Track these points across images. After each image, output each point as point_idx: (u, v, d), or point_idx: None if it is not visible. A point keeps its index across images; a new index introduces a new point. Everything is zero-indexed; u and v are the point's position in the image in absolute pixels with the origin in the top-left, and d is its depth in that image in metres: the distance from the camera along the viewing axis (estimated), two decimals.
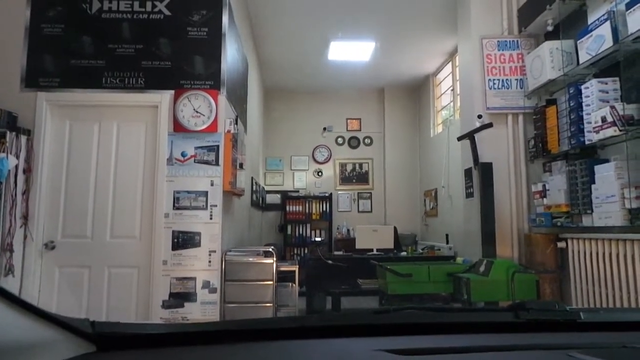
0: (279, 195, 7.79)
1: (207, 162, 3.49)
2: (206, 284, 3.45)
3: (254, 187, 6.08)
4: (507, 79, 4.04)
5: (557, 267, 3.50)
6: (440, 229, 6.68)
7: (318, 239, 7.28)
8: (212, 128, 3.48)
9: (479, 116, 3.98)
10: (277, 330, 0.67)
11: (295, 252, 7.46)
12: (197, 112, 3.48)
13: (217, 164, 3.49)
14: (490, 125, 3.73)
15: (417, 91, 7.87)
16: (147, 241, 3.44)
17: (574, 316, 0.71)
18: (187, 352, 0.59)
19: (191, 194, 3.47)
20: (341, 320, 0.74)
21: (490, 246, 3.66)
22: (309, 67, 6.91)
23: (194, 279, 3.45)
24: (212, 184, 3.49)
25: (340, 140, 8.03)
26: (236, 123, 3.98)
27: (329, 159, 7.99)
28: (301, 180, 7.97)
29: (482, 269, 3.51)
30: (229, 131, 3.53)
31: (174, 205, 3.46)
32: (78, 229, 3.42)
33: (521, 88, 4.03)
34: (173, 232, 3.45)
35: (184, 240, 3.45)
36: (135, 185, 3.48)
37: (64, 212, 3.43)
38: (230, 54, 3.84)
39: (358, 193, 7.98)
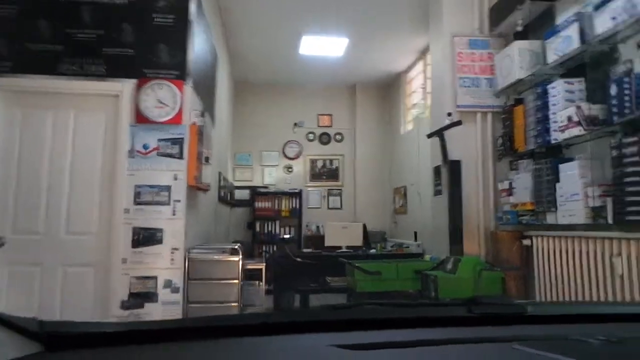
0: (248, 191, 7.65)
1: (170, 155, 3.35)
2: (168, 283, 3.32)
3: (222, 182, 5.94)
4: (477, 78, 4.07)
5: (523, 264, 3.55)
6: (409, 226, 6.71)
7: (287, 236, 7.19)
8: (177, 120, 3.33)
9: (449, 114, 3.99)
10: (236, 327, 0.66)
11: (264, 249, 7.34)
12: (161, 102, 3.33)
13: (181, 157, 3.36)
14: (459, 123, 3.74)
15: (389, 89, 7.88)
16: (105, 238, 3.27)
17: (522, 309, 0.73)
18: (140, 351, 0.57)
19: (153, 188, 3.32)
20: (300, 316, 0.74)
21: (457, 244, 3.67)
22: (281, 61, 6.80)
23: (155, 278, 3.31)
24: (175, 178, 3.35)
25: (311, 136, 7.95)
26: (203, 116, 3.85)
27: (300, 155, 7.90)
28: (271, 176, 7.85)
29: (449, 266, 3.51)
30: (194, 123, 3.40)
31: (134, 200, 3.30)
32: (30, 224, 3.21)
33: (490, 87, 4.06)
34: (134, 228, 3.29)
35: (145, 237, 3.30)
36: (93, 179, 3.30)
37: (14, 206, 3.21)
38: (198, 44, 3.70)
39: (328, 190, 7.93)
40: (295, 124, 7.90)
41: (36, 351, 0.55)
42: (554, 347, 0.56)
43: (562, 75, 3.26)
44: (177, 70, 3.38)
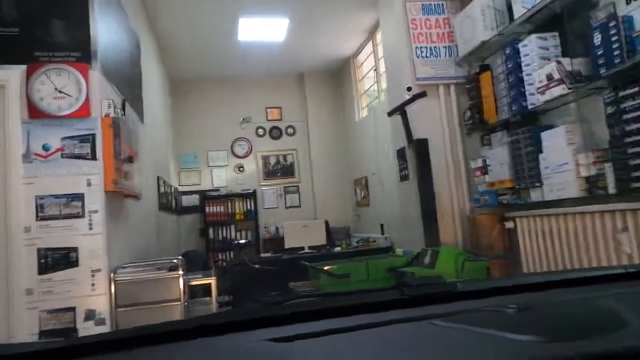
0: (197, 196, 6.97)
1: (80, 156, 2.70)
2: (91, 314, 2.67)
3: (163, 188, 5.26)
4: (435, 47, 3.65)
5: (507, 250, 3.16)
6: (374, 218, 6.28)
7: (243, 241, 6.59)
8: (83, 112, 2.68)
9: (409, 88, 3.55)
10: (174, 332, 0.63)
11: (220, 257, 6.72)
12: (60, 92, 2.66)
13: (94, 157, 2.71)
14: (423, 94, 3.30)
15: (339, 75, 7.42)
16: (2, 265, 2.58)
17: (451, 287, 0.76)
18: None
19: (60, 198, 2.65)
20: (237, 315, 0.74)
21: (432, 233, 3.24)
22: (219, 51, 6.16)
23: (72, 309, 2.65)
24: (88, 184, 2.70)
25: (260, 131, 7.37)
26: (123, 108, 3.20)
27: (250, 153, 7.30)
28: (221, 177, 7.20)
29: (427, 260, 3.07)
30: (107, 115, 2.76)
31: (37, 215, 2.63)
32: None
33: (450, 56, 3.66)
34: (38, 250, 2.62)
35: (54, 260, 2.64)
36: None
37: None
38: (107, 22, 3.05)
39: (284, 187, 7.38)
40: (243, 120, 7.29)
41: None
42: (471, 320, 0.58)
43: (532, 32, 2.87)
44: (78, 51, 2.72)
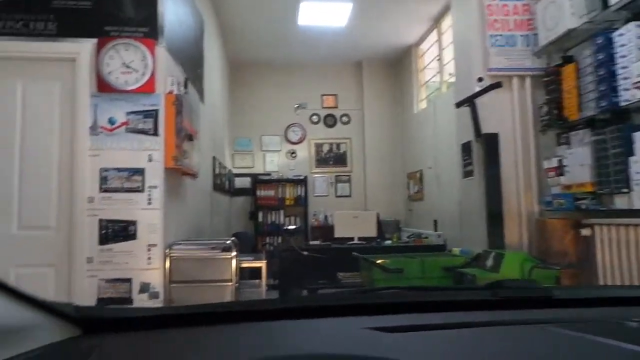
0: (249, 179, 7.02)
1: (143, 131, 2.72)
2: (145, 287, 2.71)
3: (218, 169, 5.31)
4: (511, 35, 3.38)
5: (579, 259, 2.89)
6: (427, 214, 6.06)
7: (292, 227, 6.57)
8: (148, 87, 2.70)
9: (480, 79, 3.32)
10: (265, 311, 0.66)
11: (268, 241, 6.76)
12: (127, 67, 2.68)
13: (155, 133, 2.72)
14: (499, 85, 3.06)
15: (398, 64, 7.18)
16: (66, 233, 2.66)
17: (548, 293, 0.73)
18: (173, 334, 0.59)
19: (122, 172, 2.69)
20: (327, 300, 0.75)
21: (497, 234, 3.03)
22: (278, 36, 6.11)
23: (129, 280, 2.70)
24: (150, 159, 2.72)
25: (315, 118, 7.29)
26: (185, 86, 3.21)
27: (304, 139, 7.25)
28: (273, 162, 7.21)
29: (489, 262, 2.87)
30: (171, 92, 2.75)
31: (100, 187, 2.68)
32: None
33: (528, 46, 3.38)
34: (100, 221, 2.68)
35: (114, 232, 2.69)
36: (48, 162, 2.68)
37: None
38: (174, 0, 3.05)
39: (336, 176, 7.28)
40: (298, 106, 7.22)
41: (75, 335, 0.56)
42: (583, 329, 0.55)
43: (629, 20, 2.57)
44: (146, 26, 2.73)
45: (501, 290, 0.71)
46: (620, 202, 2.55)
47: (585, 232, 2.80)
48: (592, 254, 2.75)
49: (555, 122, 3.10)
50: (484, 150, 3.15)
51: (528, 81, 3.38)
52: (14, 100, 2.65)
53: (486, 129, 3.29)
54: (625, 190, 2.49)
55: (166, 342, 0.57)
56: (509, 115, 3.38)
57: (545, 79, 3.19)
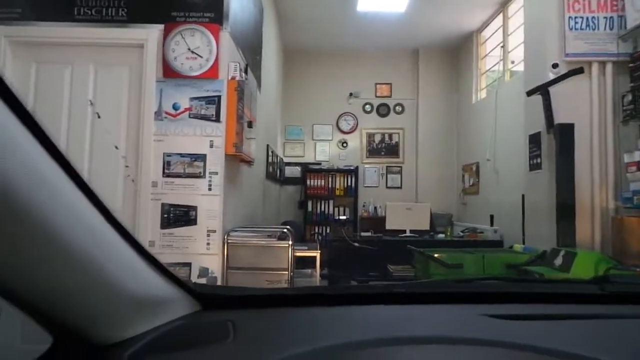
0: (299, 168, 7.03)
1: (205, 117, 2.74)
2: (204, 272, 2.75)
3: (271, 157, 5.34)
4: (593, 17, 3.12)
5: None
6: (482, 208, 5.83)
7: (342, 217, 6.53)
8: (212, 73, 2.71)
9: (554, 65, 3.09)
10: (367, 295, 0.68)
11: (317, 230, 6.75)
12: (193, 52, 2.70)
13: (217, 119, 2.73)
14: (580, 70, 2.84)
15: (457, 52, 6.89)
16: (131, 216, 2.74)
17: None
18: (284, 312, 0.62)
19: (185, 157, 2.73)
20: (426, 287, 0.75)
21: (568, 232, 2.83)
22: (335, 23, 6.01)
23: (189, 264, 2.75)
24: (211, 146, 2.74)
25: (368, 107, 7.16)
26: (245, 72, 3.20)
27: (355, 129, 7.15)
28: (324, 151, 7.17)
29: (558, 261, 2.69)
30: (233, 78, 2.75)
31: (163, 172, 2.74)
32: None
33: (611, 29, 3.11)
34: (162, 205, 2.73)
35: (176, 216, 2.74)
36: (115, 145, 2.76)
37: None
38: None
39: (387, 167, 7.15)
40: (351, 95, 7.13)
41: (197, 310, 0.61)
42: None
43: None
44: (212, 12, 2.73)
45: (608, 285, 0.70)
46: None
47: None
48: None
49: (639, 112, 2.84)
50: (556, 142, 2.95)
51: (610, 67, 3.12)
52: (87, 84, 2.75)
53: (559, 119, 3.07)
54: None
55: (284, 319, 0.60)
56: (586, 104, 3.14)
57: (631, 65, 2.93)
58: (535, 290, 0.73)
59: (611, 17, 3.09)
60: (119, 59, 2.76)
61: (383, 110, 7.17)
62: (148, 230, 2.71)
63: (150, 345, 0.48)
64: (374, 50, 6.96)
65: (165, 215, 2.74)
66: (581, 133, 3.10)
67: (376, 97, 7.20)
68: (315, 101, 7.12)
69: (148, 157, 2.71)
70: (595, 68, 3.12)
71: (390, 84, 7.20)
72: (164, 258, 2.69)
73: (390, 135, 7.19)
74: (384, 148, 7.18)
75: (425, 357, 0.46)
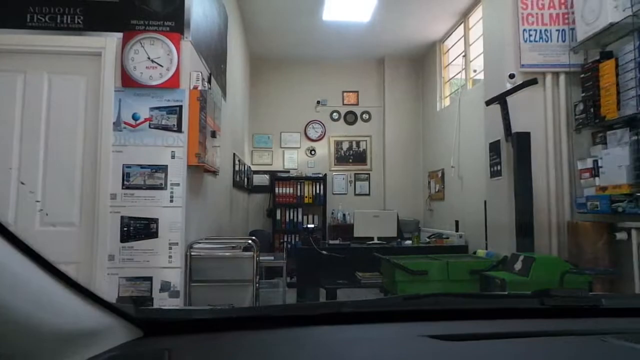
0: (267, 176, 6.99)
1: (166, 128, 2.68)
2: (166, 286, 2.68)
3: (238, 165, 5.28)
4: (546, 30, 3.25)
5: (612, 265, 2.77)
6: (448, 214, 5.95)
7: (311, 226, 6.51)
8: (173, 83, 2.66)
9: (511, 75, 3.19)
10: (311, 316, 0.68)
11: (286, 239, 6.71)
12: (153, 61, 2.65)
13: (179, 130, 2.68)
14: (534, 81, 2.95)
15: (422, 60, 7.05)
16: (89, 230, 2.65)
17: (597, 302, 0.72)
18: (230, 337, 0.61)
19: (145, 168, 2.66)
20: (373, 306, 0.76)
21: (526, 237, 2.91)
22: (301, 32, 6.04)
23: (149, 279, 2.67)
24: (173, 156, 2.68)
25: (335, 115, 7.21)
26: (209, 82, 3.16)
27: (323, 136, 7.18)
28: (292, 159, 7.16)
29: (518, 266, 2.76)
30: (195, 87, 2.71)
31: (123, 184, 2.66)
32: None
33: (563, 41, 3.24)
34: (122, 218, 2.65)
35: (136, 229, 2.66)
36: (72, 157, 2.66)
37: None
38: None
39: (355, 174, 7.20)
40: (318, 103, 7.17)
41: (137, 336, 0.58)
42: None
43: None
44: (172, 20, 2.69)
45: (549, 299, 0.71)
46: None
47: (620, 236, 2.67)
48: (627, 259, 2.62)
49: (591, 121, 2.97)
50: (514, 150, 3.04)
51: (563, 78, 3.25)
52: (41, 93, 2.64)
53: (517, 127, 3.17)
54: None
55: (224, 345, 0.59)
56: (541, 113, 3.25)
57: (582, 75, 3.06)
58: (477, 306, 0.74)
59: (563, 30, 3.23)
60: (75, 67, 2.67)
61: (350, 118, 7.23)
62: (107, 244, 2.62)
63: None
64: (341, 58, 7.03)
65: (125, 229, 2.66)
66: (537, 141, 3.21)
67: (343, 104, 7.26)
68: (283, 109, 7.11)
69: (106, 169, 2.63)
70: (549, 79, 3.24)
71: (357, 92, 7.28)
72: (125, 272, 2.63)
73: (357, 143, 7.25)
74: (352, 155, 7.24)
75: None
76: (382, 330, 0.63)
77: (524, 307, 0.72)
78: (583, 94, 3.04)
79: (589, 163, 2.97)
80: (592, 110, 2.93)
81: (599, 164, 2.88)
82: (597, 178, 2.89)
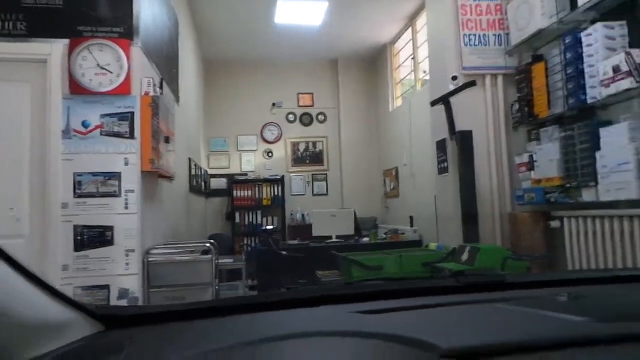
0: (225, 180, 6.96)
1: (118, 135, 2.67)
2: (124, 293, 2.66)
3: (194, 170, 5.25)
4: (484, 35, 3.47)
5: (549, 250, 3.01)
6: (403, 210, 6.16)
7: (270, 227, 6.56)
8: (124, 89, 2.64)
9: (454, 77, 3.39)
10: (259, 304, 0.75)
11: (246, 242, 6.71)
12: (102, 68, 2.63)
13: (131, 136, 2.67)
14: (473, 83, 3.14)
15: (373, 62, 7.25)
16: (40, 241, 2.59)
17: (501, 278, 0.88)
18: (187, 326, 0.66)
19: (97, 176, 2.64)
20: (317, 292, 0.87)
21: (472, 229, 3.11)
22: (254, 34, 6.08)
23: (106, 287, 2.65)
24: (126, 163, 2.67)
25: (291, 117, 7.28)
26: (160, 87, 3.16)
27: (280, 138, 7.23)
28: (249, 162, 7.17)
29: (464, 256, 2.94)
30: (147, 93, 2.71)
31: (74, 192, 2.62)
32: None
33: (500, 45, 3.47)
34: (75, 227, 2.61)
35: (90, 238, 2.63)
36: (19, 167, 2.60)
37: None
38: None
39: (312, 175, 7.30)
40: (274, 105, 7.21)
41: (99, 330, 0.62)
42: (528, 304, 0.68)
43: (595, 21, 2.68)
44: (121, 26, 2.68)
45: (463, 278, 0.85)
46: (587, 195, 2.66)
47: (554, 224, 2.91)
48: (560, 245, 2.86)
49: (526, 119, 3.20)
50: (458, 147, 3.23)
51: (500, 79, 3.47)
52: None
53: (460, 126, 3.37)
54: (592, 183, 2.60)
55: (180, 332, 0.65)
56: (482, 112, 3.47)
57: (517, 77, 3.30)
58: (404, 287, 0.86)
59: (499, 35, 3.46)
60: (19, 74, 2.61)
61: (306, 120, 7.33)
62: (59, 254, 2.58)
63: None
64: (295, 60, 7.11)
65: (79, 237, 2.62)
66: (479, 139, 3.42)
67: (299, 106, 7.34)
68: (239, 112, 7.11)
69: (56, 178, 2.58)
70: (487, 80, 3.47)
71: (312, 93, 7.38)
72: (80, 281, 2.59)
73: (314, 144, 7.36)
74: (309, 156, 7.33)
75: (300, 347, 0.55)
76: (319, 311, 0.71)
77: (442, 285, 0.84)
78: (518, 94, 3.28)
79: (525, 158, 3.21)
80: (526, 109, 3.17)
81: (534, 159, 3.12)
82: (532, 172, 3.13)
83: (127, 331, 0.64)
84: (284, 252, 4.67)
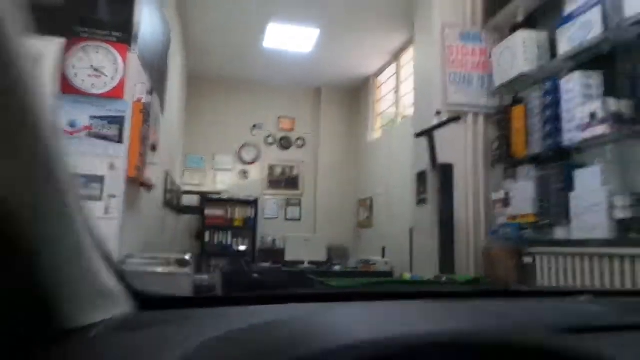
0: (197, 197, 6.85)
1: (106, 138, 2.62)
2: None
3: (169, 184, 5.16)
4: (469, 75, 3.65)
5: (521, 284, 3.10)
6: (375, 241, 6.20)
7: (242, 248, 6.47)
8: (117, 93, 2.62)
9: (438, 112, 3.53)
10: (285, 296, 0.76)
11: (214, 263, 6.56)
12: (96, 70, 2.60)
13: (120, 141, 2.64)
14: (457, 119, 3.28)
15: (357, 93, 7.43)
16: None
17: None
18: (218, 311, 0.67)
19: (81, 178, 2.57)
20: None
21: (449, 260, 3.17)
22: (242, 55, 6.16)
23: None
24: (111, 167, 2.62)
25: (270, 139, 7.32)
26: (151, 94, 3.15)
27: (257, 160, 7.23)
28: (224, 181, 7.11)
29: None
30: (139, 99, 2.70)
31: None
32: None
33: (483, 86, 3.66)
34: None
35: None
36: None
37: None
38: (149, 7, 3.02)
39: (286, 199, 7.30)
40: (254, 126, 7.25)
41: (135, 309, 0.62)
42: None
43: (574, 69, 2.88)
44: (121, 31, 2.68)
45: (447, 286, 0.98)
46: (560, 233, 2.79)
47: (526, 260, 3.01)
48: (532, 280, 2.96)
49: (504, 157, 3.35)
50: (439, 180, 3.33)
51: (481, 118, 3.64)
52: None
53: (442, 159, 3.48)
54: (565, 222, 2.73)
55: (210, 318, 0.66)
56: (463, 148, 3.61)
57: (498, 117, 3.47)
58: (387, 290, 0.93)
59: (482, 76, 3.65)
60: None
61: (285, 143, 7.38)
62: None
63: (105, 333, 0.50)
64: (279, 84, 7.21)
65: None
66: (459, 173, 3.54)
67: (279, 130, 7.40)
68: (218, 130, 7.08)
69: None
70: (470, 117, 3.63)
71: (294, 118, 7.47)
72: None
73: (291, 168, 7.39)
74: (285, 180, 7.34)
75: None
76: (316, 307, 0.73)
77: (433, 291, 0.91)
78: (498, 133, 3.45)
79: (501, 194, 3.34)
80: (505, 148, 3.33)
81: (510, 195, 3.25)
82: (508, 208, 3.25)
83: (161, 312, 0.64)
84: (256, 274, 4.62)
